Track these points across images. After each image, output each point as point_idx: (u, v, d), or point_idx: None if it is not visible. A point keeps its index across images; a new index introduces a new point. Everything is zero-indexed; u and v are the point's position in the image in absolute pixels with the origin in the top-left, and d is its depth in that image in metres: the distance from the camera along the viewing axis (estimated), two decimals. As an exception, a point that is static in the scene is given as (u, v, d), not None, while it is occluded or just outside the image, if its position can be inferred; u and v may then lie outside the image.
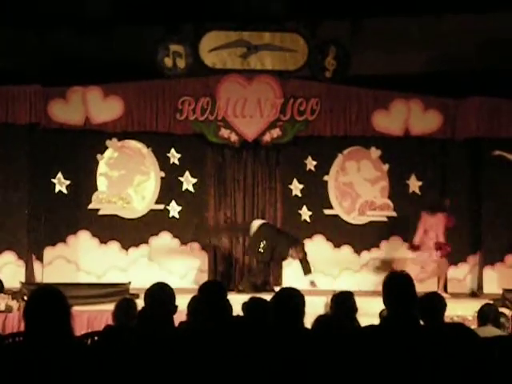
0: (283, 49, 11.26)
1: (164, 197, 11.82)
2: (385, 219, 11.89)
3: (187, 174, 11.83)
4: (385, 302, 3.87)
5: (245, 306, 5.19)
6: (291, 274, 11.50)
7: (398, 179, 11.91)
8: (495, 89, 11.09)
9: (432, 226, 10.95)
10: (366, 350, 3.69)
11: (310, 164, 11.90)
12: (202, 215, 11.84)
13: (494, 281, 11.27)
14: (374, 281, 11.18)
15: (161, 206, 11.80)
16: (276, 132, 11.52)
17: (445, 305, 5.03)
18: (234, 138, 11.51)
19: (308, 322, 4.22)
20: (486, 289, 11.29)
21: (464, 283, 11.62)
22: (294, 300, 4.10)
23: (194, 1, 10.61)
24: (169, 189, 11.84)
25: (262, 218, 11.61)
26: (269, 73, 11.39)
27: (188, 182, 11.84)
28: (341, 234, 11.90)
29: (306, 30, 11.24)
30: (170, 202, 11.79)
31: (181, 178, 11.84)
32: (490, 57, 11.19)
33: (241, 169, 11.84)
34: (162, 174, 11.86)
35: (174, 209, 11.80)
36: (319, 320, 4.19)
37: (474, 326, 5.95)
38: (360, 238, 11.88)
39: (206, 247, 11.76)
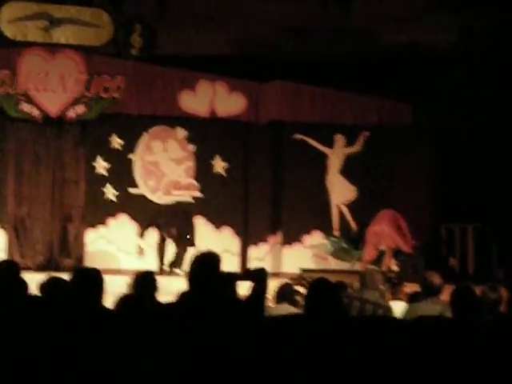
0: (88, 24, 11.04)
1: (-42, 172, 11.26)
2: (190, 199, 11.98)
3: (-15, 149, 11.36)
4: (188, 280, 3.90)
5: (42, 285, 5.05)
6: (93, 254, 11.37)
7: (203, 160, 12.03)
8: (297, 74, 11.45)
9: None
10: (165, 326, 3.71)
11: (116, 142, 11.77)
12: (0, 192, 11.39)
13: (292, 260, 11.68)
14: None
15: (-45, 182, 11.24)
16: (81, 108, 11.29)
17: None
18: (36, 112, 11.16)
19: (111, 301, 4.17)
20: (285, 268, 11.69)
21: (264, 263, 11.94)
22: (91, 279, 4.05)
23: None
24: (-36, 164, 11.29)
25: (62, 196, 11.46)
26: (73, 48, 11.12)
27: (-14, 157, 11.37)
28: (146, 213, 11.86)
29: (111, 6, 11.09)
30: (-35, 178, 11.26)
31: (-22, 154, 11.35)
32: (293, 42, 11.54)
33: (43, 145, 11.50)
34: (-43, 149, 11.29)
35: (-30, 185, 11.30)
36: (121, 299, 4.16)
37: (271, 305, 6.14)
38: (165, 217, 11.89)
39: (3, 225, 11.36)
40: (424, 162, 12.23)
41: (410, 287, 8.18)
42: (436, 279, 5.61)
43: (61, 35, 11.01)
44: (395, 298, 6.88)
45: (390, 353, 3.91)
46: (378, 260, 11.23)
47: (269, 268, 11.94)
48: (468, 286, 4.65)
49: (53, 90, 11.14)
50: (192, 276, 3.89)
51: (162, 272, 10.60)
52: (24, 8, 10.86)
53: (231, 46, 11.60)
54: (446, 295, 5.62)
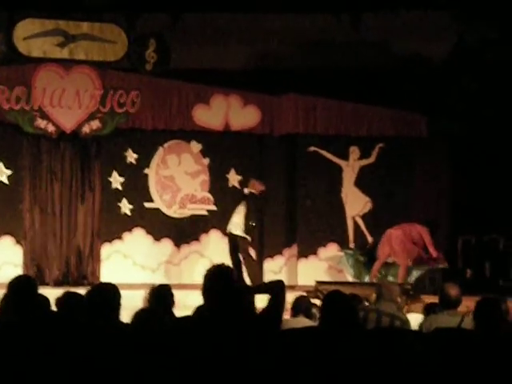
0: (102, 39, 11.09)
1: (-25, 189, 11.34)
2: (205, 212, 12.00)
3: (1, 165, 11.43)
4: (203, 294, 3.90)
5: (58, 300, 5.06)
6: (109, 269, 11.41)
7: (218, 173, 12.05)
8: (311, 87, 11.47)
9: None
10: (182, 340, 3.71)
11: (131, 157, 11.82)
12: (16, 208, 11.45)
13: (307, 273, 11.65)
14: (193, 274, 11.31)
15: (-28, 198, 11.31)
16: (96, 124, 11.34)
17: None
18: (51, 128, 11.21)
19: (127, 315, 4.17)
20: (301, 281, 11.66)
21: (279, 275, 11.92)
22: (107, 294, 4.06)
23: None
24: (-19, 180, 11.37)
25: (78, 211, 11.47)
26: (87, 63, 11.18)
27: (2, 173, 11.43)
28: (161, 227, 11.89)
29: (125, 22, 11.15)
30: (-18, 194, 11.33)
31: (-6, 170, 11.44)
32: (307, 56, 11.56)
33: (58, 160, 11.55)
34: (-27, 165, 11.37)
35: (-14, 201, 11.37)
36: (137, 313, 4.16)
37: (287, 317, 6.13)
38: (180, 231, 11.93)
39: (20, 241, 11.40)
40: (440, 173, 12.19)
41: (427, 299, 8.14)
42: (454, 291, 5.58)
43: (75, 51, 11.08)
44: (412, 310, 6.85)
45: (407, 365, 3.89)
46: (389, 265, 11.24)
47: (285, 281, 11.89)
48: (493, 299, 4.62)
49: (68, 105, 11.19)
50: (206, 289, 3.88)
51: None
52: (38, 25, 10.92)
53: (245, 59, 11.63)
54: (462, 307, 5.60)
